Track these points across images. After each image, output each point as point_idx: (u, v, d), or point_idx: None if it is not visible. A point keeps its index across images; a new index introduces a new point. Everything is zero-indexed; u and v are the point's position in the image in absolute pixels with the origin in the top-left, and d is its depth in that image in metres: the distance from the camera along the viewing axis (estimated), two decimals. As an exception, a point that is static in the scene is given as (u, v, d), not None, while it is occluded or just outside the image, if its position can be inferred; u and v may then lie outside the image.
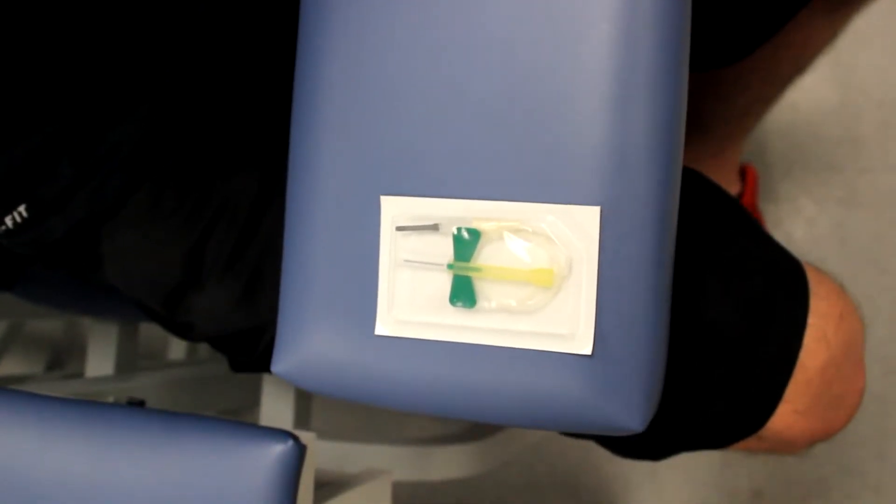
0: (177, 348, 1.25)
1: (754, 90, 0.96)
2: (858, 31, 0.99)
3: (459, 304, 0.47)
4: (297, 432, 0.53)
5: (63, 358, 1.43)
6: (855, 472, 1.25)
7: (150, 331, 1.03)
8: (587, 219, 0.45)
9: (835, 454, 1.25)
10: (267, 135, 0.63)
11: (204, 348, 1.22)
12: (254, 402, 0.94)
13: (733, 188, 1.19)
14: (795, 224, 1.32)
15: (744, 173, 1.22)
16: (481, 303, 0.47)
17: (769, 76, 0.94)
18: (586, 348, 0.45)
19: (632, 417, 0.46)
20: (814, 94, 1.33)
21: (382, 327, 0.48)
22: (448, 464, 0.90)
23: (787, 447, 0.63)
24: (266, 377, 0.89)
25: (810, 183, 1.33)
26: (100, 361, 1.01)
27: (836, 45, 0.94)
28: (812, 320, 0.58)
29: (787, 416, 0.59)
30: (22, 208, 0.59)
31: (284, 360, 0.51)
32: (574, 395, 0.46)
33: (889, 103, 1.32)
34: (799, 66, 0.94)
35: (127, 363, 1.02)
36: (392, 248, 0.48)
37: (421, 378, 0.48)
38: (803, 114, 1.33)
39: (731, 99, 0.97)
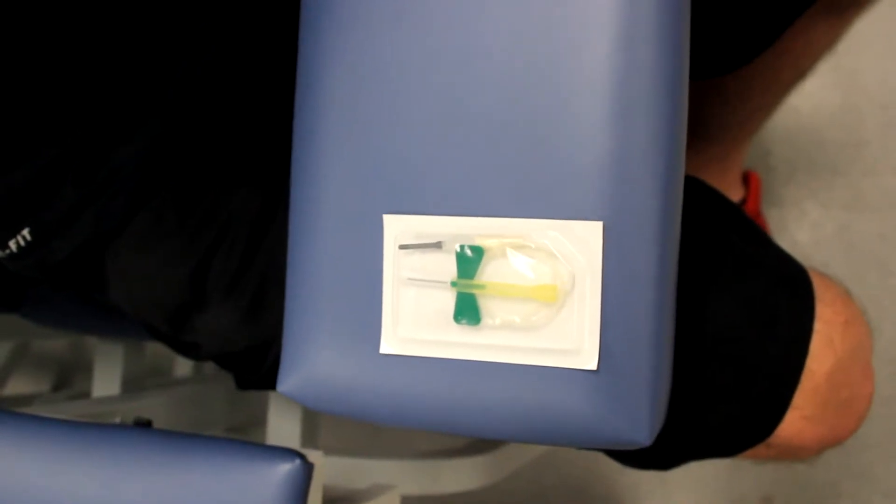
0: (183, 365, 1.25)
1: (755, 97, 0.96)
2: (859, 35, 0.99)
3: (464, 321, 0.47)
4: (305, 451, 0.53)
5: (70, 377, 1.43)
6: (865, 477, 1.24)
7: (156, 348, 1.03)
8: (590, 234, 0.44)
9: (845, 458, 1.24)
10: (269, 152, 0.63)
11: (210, 365, 1.22)
12: (261, 418, 0.94)
13: (737, 194, 1.19)
14: (800, 228, 1.32)
15: (747, 179, 1.22)
16: (485, 320, 0.47)
17: (770, 82, 0.94)
18: (591, 363, 0.45)
19: (639, 432, 0.46)
20: (816, 99, 1.33)
21: (387, 346, 0.48)
22: (456, 477, 0.90)
23: (796, 454, 0.63)
24: (273, 393, 0.89)
25: (814, 187, 1.32)
26: (106, 381, 1.01)
27: (837, 50, 0.94)
28: (818, 326, 0.58)
29: (795, 423, 0.59)
30: (25, 231, 0.59)
31: (290, 380, 0.51)
32: (580, 410, 0.46)
33: (892, 106, 1.32)
34: (800, 72, 0.94)
35: (133, 382, 1.02)
36: (395, 267, 0.48)
37: (426, 396, 0.48)
38: (806, 118, 1.33)
39: (732, 106, 0.97)
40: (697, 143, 1.01)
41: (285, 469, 0.51)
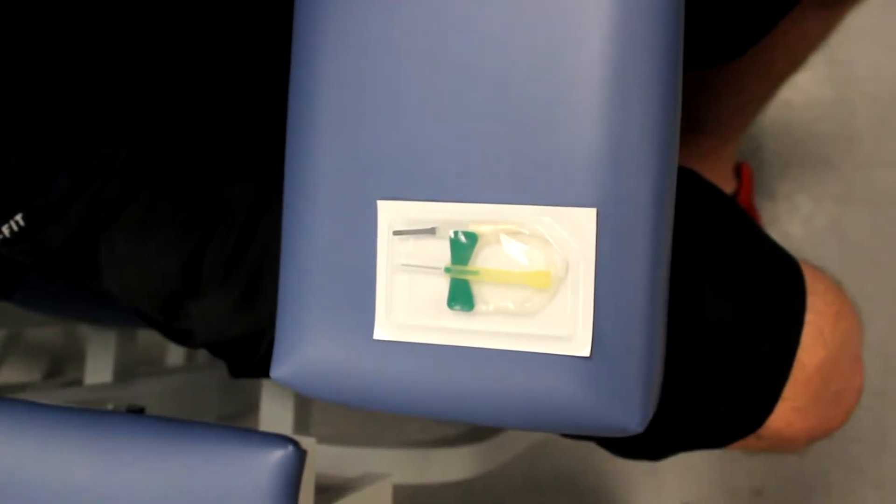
0: (175, 353, 1.25)
1: (749, 88, 0.97)
2: (852, 28, 0.99)
3: (457, 307, 0.47)
4: (298, 437, 0.53)
5: (62, 365, 1.43)
6: (855, 468, 1.25)
7: (148, 337, 1.03)
8: (584, 221, 0.45)
9: (835, 450, 1.25)
10: (263, 140, 0.63)
11: (202, 353, 1.22)
12: (253, 406, 0.94)
13: (729, 186, 1.19)
14: (792, 221, 1.32)
15: (739, 171, 1.22)
16: (479, 306, 0.47)
17: (763, 74, 0.94)
18: (584, 350, 0.45)
19: (630, 419, 0.46)
20: (809, 92, 1.33)
21: (381, 332, 0.48)
22: (448, 466, 0.90)
23: (787, 445, 0.63)
24: (265, 381, 0.89)
25: (807, 180, 1.33)
26: (99, 368, 1.01)
27: (830, 42, 0.94)
28: (809, 318, 0.58)
29: (786, 414, 0.59)
30: (19, 217, 0.59)
31: (283, 366, 0.51)
32: (572, 396, 0.46)
33: (884, 99, 1.32)
34: (793, 64, 0.95)
35: (126, 370, 1.02)
36: (389, 253, 0.48)
37: (420, 382, 0.48)
38: (799, 111, 1.34)
39: (725, 97, 0.97)
40: (690, 134, 1.02)
41: (279, 455, 0.51)
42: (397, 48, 0.47)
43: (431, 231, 0.47)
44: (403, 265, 0.48)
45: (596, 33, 0.45)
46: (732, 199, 0.67)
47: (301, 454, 0.52)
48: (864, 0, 0.88)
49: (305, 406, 0.89)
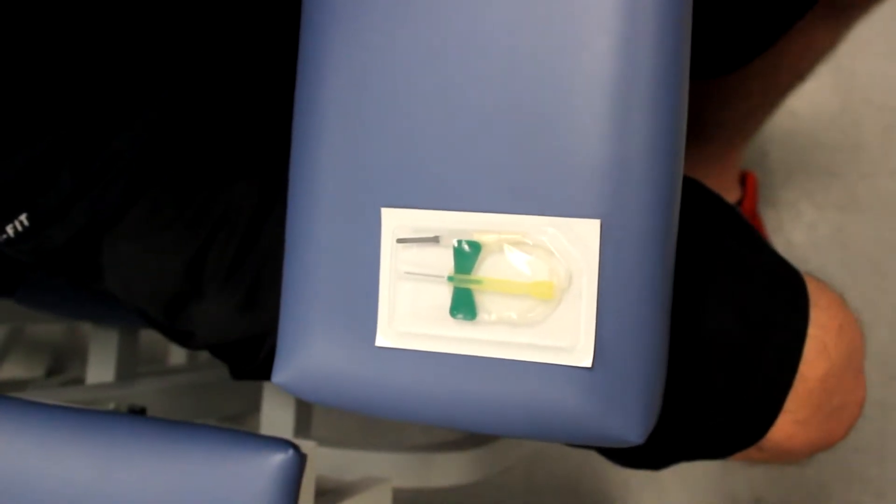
0: (177, 353, 1.25)
1: (755, 97, 0.96)
2: (859, 37, 0.99)
3: (460, 316, 0.47)
4: (298, 441, 0.53)
5: (64, 363, 1.43)
6: (856, 478, 1.25)
7: (150, 336, 1.03)
8: (587, 232, 0.45)
9: (836, 459, 1.25)
10: (268, 144, 0.63)
11: (204, 353, 1.22)
12: (255, 407, 0.94)
13: (733, 194, 1.19)
14: (796, 229, 1.32)
15: (744, 179, 1.22)
16: (482, 315, 0.47)
17: (769, 83, 0.94)
18: (586, 361, 0.45)
19: (631, 430, 0.46)
20: (814, 100, 1.33)
21: (383, 339, 0.48)
22: (448, 470, 0.90)
23: (787, 457, 0.63)
24: (267, 383, 0.89)
25: (811, 188, 1.33)
26: (100, 367, 1.01)
27: (836, 51, 0.94)
28: (812, 331, 0.58)
29: (787, 427, 0.59)
30: (23, 217, 0.59)
31: (285, 371, 0.51)
32: (574, 407, 0.46)
33: (889, 108, 1.32)
34: (799, 74, 0.94)
35: (127, 369, 1.02)
36: (393, 260, 0.48)
37: (421, 389, 0.48)
38: (804, 120, 1.33)
39: (731, 106, 0.97)
40: (695, 142, 1.01)
41: (278, 459, 0.51)
42: (403, 56, 0.48)
43: (435, 239, 0.47)
44: (406, 273, 0.48)
45: (602, 42, 0.45)
46: (735, 209, 0.67)
47: (301, 458, 0.52)
48: (871, 10, 0.88)
49: (306, 408, 0.89)
